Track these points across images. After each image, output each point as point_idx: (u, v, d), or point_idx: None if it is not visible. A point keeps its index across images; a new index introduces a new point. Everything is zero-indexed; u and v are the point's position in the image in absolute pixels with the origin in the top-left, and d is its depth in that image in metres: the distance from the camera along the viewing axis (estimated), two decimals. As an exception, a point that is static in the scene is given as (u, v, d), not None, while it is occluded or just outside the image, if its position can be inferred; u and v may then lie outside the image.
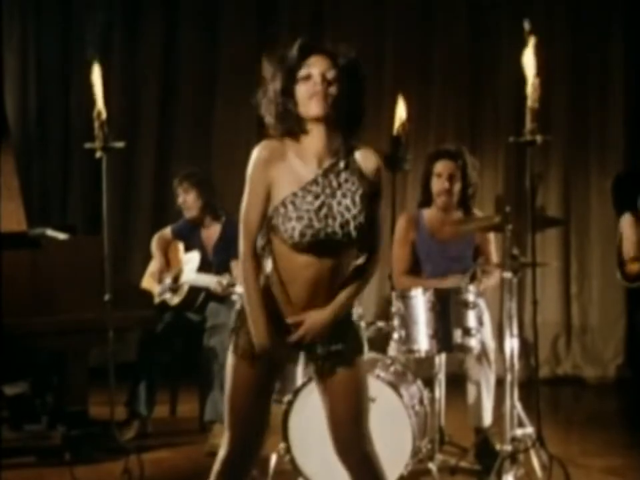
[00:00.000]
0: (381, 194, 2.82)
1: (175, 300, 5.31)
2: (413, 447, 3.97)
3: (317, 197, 2.71)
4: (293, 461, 4.03)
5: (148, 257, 5.58)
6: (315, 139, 2.74)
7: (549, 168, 7.14)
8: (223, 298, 5.13)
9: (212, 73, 7.40)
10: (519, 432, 4.10)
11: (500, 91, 7.07)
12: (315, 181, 2.73)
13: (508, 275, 4.15)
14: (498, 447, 4.26)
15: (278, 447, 4.09)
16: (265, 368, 2.81)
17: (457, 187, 4.68)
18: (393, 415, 3.97)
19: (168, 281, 5.34)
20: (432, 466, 4.18)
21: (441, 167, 4.69)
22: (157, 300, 5.29)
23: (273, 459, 4.17)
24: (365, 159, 2.78)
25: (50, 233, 4.97)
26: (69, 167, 7.36)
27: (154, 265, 5.45)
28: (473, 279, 4.55)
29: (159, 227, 5.63)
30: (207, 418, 5.02)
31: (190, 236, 5.40)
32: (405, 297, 4.29)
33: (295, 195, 2.71)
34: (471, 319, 4.25)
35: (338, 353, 2.82)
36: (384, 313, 4.40)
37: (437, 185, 4.69)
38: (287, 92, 2.72)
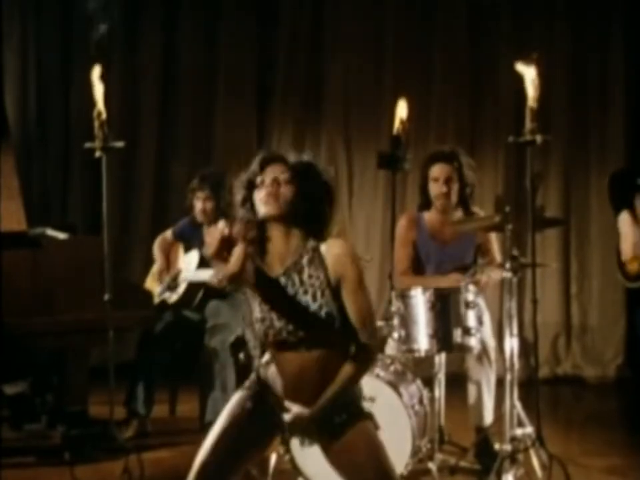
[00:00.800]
0: (352, 277, 2.75)
1: (173, 297, 5.31)
2: (412, 447, 3.97)
3: (279, 297, 2.76)
4: (292, 460, 4.02)
5: (148, 257, 5.58)
6: (276, 240, 2.80)
7: (549, 168, 7.15)
8: (223, 295, 5.12)
9: (212, 73, 7.40)
10: (518, 432, 4.11)
11: (500, 91, 7.07)
12: (276, 281, 2.78)
13: (508, 274, 4.16)
14: (498, 446, 4.26)
15: (278, 447, 4.08)
16: (251, 417, 2.84)
17: (455, 188, 4.67)
18: (392, 415, 3.97)
19: (167, 279, 5.35)
20: (432, 465, 4.18)
21: (437, 171, 4.68)
22: (156, 300, 5.29)
23: (273, 458, 4.16)
24: (329, 248, 2.78)
25: (50, 232, 4.97)
26: (69, 167, 7.36)
27: (156, 267, 5.46)
28: (474, 276, 4.56)
29: (159, 227, 5.63)
30: (208, 419, 5.00)
31: (191, 236, 5.40)
32: (404, 297, 4.29)
33: (254, 296, 2.80)
34: (471, 318, 4.25)
35: (341, 424, 2.78)
36: (384, 312, 4.40)
37: (435, 189, 4.68)
38: (246, 201, 2.81)
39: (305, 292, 2.74)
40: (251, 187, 2.82)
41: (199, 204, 5.28)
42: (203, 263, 5.26)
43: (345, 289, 2.75)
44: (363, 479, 2.76)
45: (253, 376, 2.93)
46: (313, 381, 2.77)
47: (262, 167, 2.82)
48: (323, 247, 2.79)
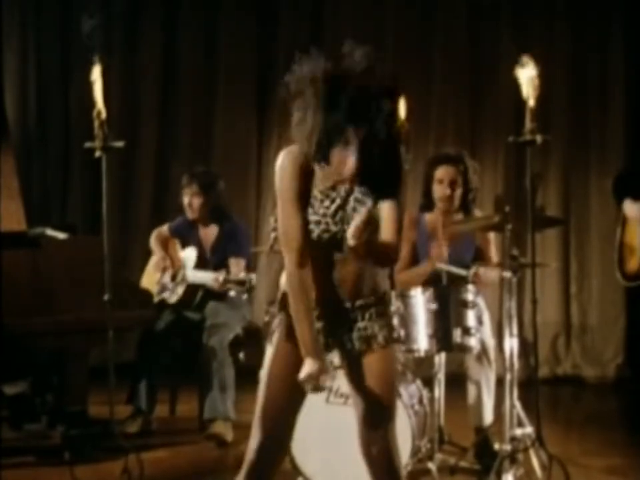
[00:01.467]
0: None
1: (173, 298, 5.31)
2: (412, 447, 3.98)
3: (333, 201, 2.77)
4: (292, 460, 4.03)
5: (148, 257, 5.58)
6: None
7: (549, 168, 7.15)
8: (222, 296, 5.14)
9: (212, 73, 7.41)
10: (518, 431, 4.11)
11: (500, 91, 7.07)
12: (332, 187, 2.78)
13: (507, 274, 4.16)
14: (497, 446, 4.26)
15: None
16: (298, 355, 2.78)
17: (459, 192, 4.65)
18: (392, 415, 3.97)
19: (166, 279, 5.34)
20: (431, 465, 4.18)
21: (442, 172, 4.66)
22: (156, 299, 5.29)
23: (273, 458, 4.16)
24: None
25: (50, 232, 4.97)
26: (69, 167, 7.37)
27: (154, 259, 5.45)
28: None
29: (158, 227, 5.62)
30: (206, 416, 5.02)
31: (187, 234, 5.40)
32: (404, 297, 4.29)
33: (314, 197, 2.76)
34: (471, 318, 4.25)
35: (364, 337, 2.83)
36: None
37: (439, 191, 4.66)
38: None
39: (360, 203, 2.79)
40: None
41: (186, 199, 5.32)
42: (200, 261, 5.26)
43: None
44: (364, 407, 2.82)
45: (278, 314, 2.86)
46: (357, 279, 2.79)
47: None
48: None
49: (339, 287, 2.79)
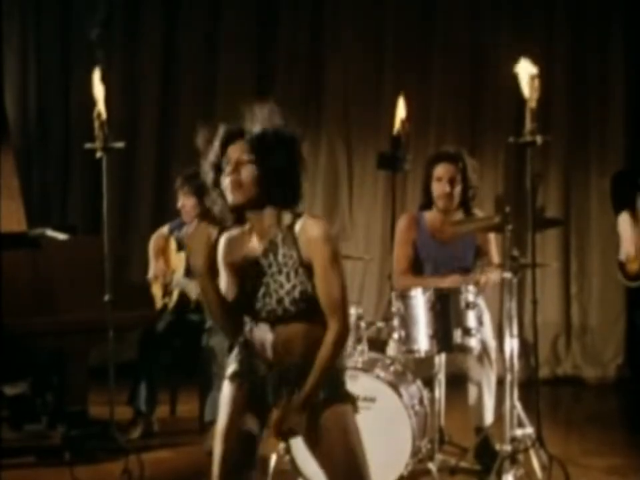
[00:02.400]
0: (323, 261, 2.71)
1: (170, 304, 5.32)
2: (412, 447, 3.97)
3: (257, 277, 2.77)
4: (292, 461, 4.03)
5: (147, 257, 5.57)
6: (253, 221, 2.80)
7: (549, 168, 7.14)
8: None
9: (212, 73, 7.40)
10: (518, 432, 4.11)
11: (500, 91, 7.06)
12: (256, 262, 2.78)
13: (508, 275, 4.16)
14: (498, 446, 4.26)
15: (278, 447, 4.09)
16: (253, 396, 2.82)
17: (458, 189, 4.67)
18: (392, 415, 3.98)
19: (167, 282, 5.34)
20: (432, 466, 4.18)
21: (441, 170, 4.67)
22: (159, 303, 5.30)
23: (273, 459, 4.17)
24: (302, 229, 2.74)
25: (50, 233, 4.98)
26: (69, 167, 7.36)
27: (150, 272, 5.44)
28: (475, 277, 4.57)
29: (159, 227, 5.62)
30: (207, 418, 5.02)
31: (183, 236, 5.39)
32: (404, 297, 4.29)
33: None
34: (471, 318, 4.25)
35: (320, 402, 2.75)
36: (384, 313, 4.40)
37: (438, 188, 4.67)
38: (216, 185, 2.84)
39: (280, 272, 2.75)
40: (217, 170, 2.85)
41: (180, 201, 5.31)
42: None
43: (315, 272, 2.73)
44: (332, 463, 2.76)
45: (235, 351, 2.89)
46: (297, 349, 2.77)
47: (223, 148, 2.85)
48: (297, 226, 2.75)
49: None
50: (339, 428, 2.75)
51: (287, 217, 2.77)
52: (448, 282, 4.49)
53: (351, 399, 2.82)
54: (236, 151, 2.83)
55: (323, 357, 2.73)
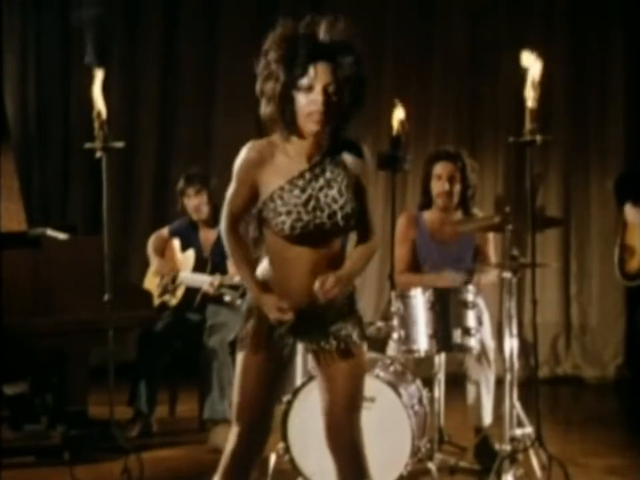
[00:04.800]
0: (366, 186, 2.90)
1: (173, 301, 5.32)
2: (412, 447, 3.97)
3: (303, 190, 2.79)
4: (292, 460, 4.03)
5: (147, 258, 5.58)
6: (306, 140, 2.80)
7: (549, 168, 7.14)
8: (219, 300, 5.12)
9: (212, 72, 7.41)
10: (518, 432, 4.11)
11: (500, 91, 7.07)
12: (301, 175, 2.80)
13: (507, 275, 4.16)
14: (497, 446, 4.26)
15: (277, 446, 4.09)
16: (270, 358, 2.88)
17: (457, 188, 4.69)
18: (392, 415, 3.98)
19: (166, 281, 5.34)
20: (431, 465, 4.18)
21: (440, 168, 4.69)
22: (156, 302, 5.29)
23: (272, 458, 4.17)
24: (351, 152, 2.86)
25: (50, 232, 4.97)
26: (69, 167, 7.37)
27: (152, 267, 5.45)
28: (470, 276, 4.58)
29: (159, 227, 5.62)
30: (206, 417, 5.03)
31: (188, 236, 5.39)
32: (404, 297, 4.29)
33: (282, 189, 2.78)
34: (471, 318, 4.26)
35: (341, 337, 2.88)
36: (383, 313, 4.40)
37: (437, 186, 4.69)
38: (287, 96, 2.73)
39: (330, 187, 2.81)
40: (293, 80, 2.71)
41: (192, 201, 5.29)
42: (199, 264, 5.26)
43: (361, 193, 2.86)
44: (334, 398, 2.90)
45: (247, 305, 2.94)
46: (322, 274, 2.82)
47: (306, 62, 2.71)
48: (345, 146, 2.85)
49: (312, 286, 2.80)
50: (351, 368, 2.88)
51: (337, 137, 2.81)
52: (443, 281, 4.50)
53: (367, 338, 2.97)
54: (323, 77, 2.71)
55: (362, 251, 2.89)
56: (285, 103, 2.73)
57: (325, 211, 2.78)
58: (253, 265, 2.89)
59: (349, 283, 2.86)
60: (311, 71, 2.72)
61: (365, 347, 2.95)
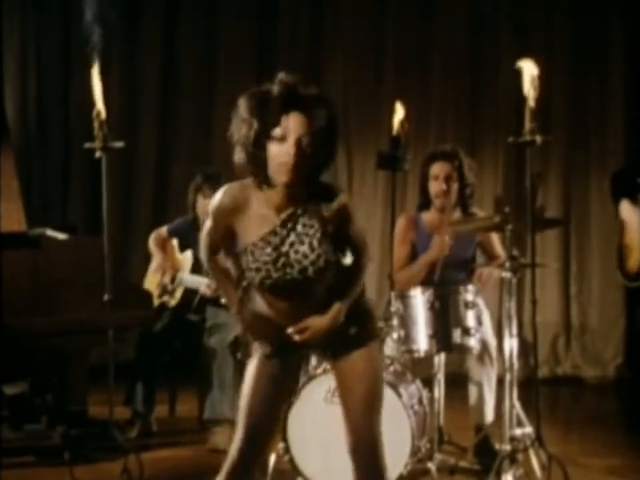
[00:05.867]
0: (349, 224, 2.83)
1: (172, 302, 5.32)
2: (412, 447, 3.97)
3: (275, 248, 2.77)
4: (292, 460, 4.03)
5: (148, 257, 5.58)
6: (278, 190, 2.75)
7: (549, 168, 7.14)
8: (218, 302, 5.11)
9: (212, 73, 7.40)
10: (518, 432, 4.11)
11: (500, 91, 7.07)
12: (273, 232, 2.77)
13: (507, 275, 4.16)
14: (497, 446, 4.26)
15: (277, 446, 4.09)
16: (278, 367, 2.91)
17: (455, 187, 4.68)
18: (392, 415, 3.96)
19: (166, 281, 5.34)
20: (431, 465, 4.18)
21: (437, 168, 4.69)
22: (156, 302, 5.29)
23: (272, 458, 4.17)
24: (326, 197, 2.79)
25: (50, 233, 4.98)
26: (69, 167, 7.36)
27: (154, 263, 5.44)
28: (471, 272, 4.59)
29: (159, 227, 5.62)
30: (206, 417, 5.02)
31: (187, 236, 5.38)
32: (404, 297, 4.30)
33: (254, 245, 2.78)
34: (470, 318, 4.26)
35: (351, 337, 2.87)
36: (383, 313, 4.40)
37: (435, 187, 4.69)
38: (260, 144, 2.70)
39: (302, 242, 2.76)
40: (266, 129, 2.68)
41: (206, 201, 5.25)
42: (198, 265, 5.26)
43: (344, 230, 2.81)
44: (351, 400, 2.90)
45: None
46: (304, 311, 2.83)
47: (281, 111, 2.66)
48: (319, 194, 2.79)
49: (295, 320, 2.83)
50: (365, 367, 2.88)
51: (309, 186, 2.77)
52: (434, 251, 4.52)
53: (378, 336, 2.98)
54: (297, 128, 2.66)
55: (351, 282, 2.85)
56: (257, 151, 2.70)
57: (295, 267, 2.75)
58: (233, 284, 2.90)
59: (338, 319, 2.83)
60: (284, 121, 2.67)
61: (375, 345, 2.93)
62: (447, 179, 4.66)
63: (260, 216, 2.78)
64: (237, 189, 2.82)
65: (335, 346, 2.89)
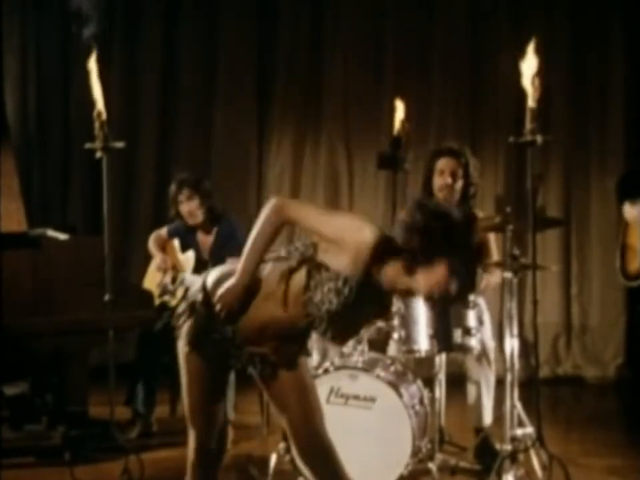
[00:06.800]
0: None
1: (173, 302, 5.30)
2: (412, 447, 3.97)
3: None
4: (292, 461, 4.03)
5: (148, 257, 5.57)
6: None
7: (549, 168, 7.14)
8: None
9: (212, 73, 7.40)
10: (519, 432, 4.11)
11: (500, 91, 7.07)
12: None
13: (508, 275, 4.15)
14: (498, 446, 4.26)
15: (278, 446, 4.09)
16: (209, 357, 2.98)
17: (459, 184, 4.66)
18: (393, 415, 3.97)
19: (167, 281, 5.33)
20: (432, 466, 4.18)
21: (443, 163, 4.67)
22: (157, 302, 5.28)
23: (273, 458, 4.17)
24: None
25: (50, 233, 4.97)
26: (69, 167, 7.36)
27: (155, 263, 5.43)
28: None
29: (158, 227, 5.62)
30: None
31: (186, 238, 5.38)
32: (405, 297, 4.29)
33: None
34: (471, 318, 4.26)
35: (293, 355, 3.01)
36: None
37: (439, 181, 4.66)
38: None
39: None
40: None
41: (184, 207, 5.27)
42: (199, 265, 5.25)
43: None
44: (289, 414, 3.02)
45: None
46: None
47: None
48: None
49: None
50: (303, 378, 3.02)
51: None
52: None
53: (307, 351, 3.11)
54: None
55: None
56: None
57: None
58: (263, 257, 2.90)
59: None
60: None
61: (304, 360, 3.05)
62: (453, 175, 4.64)
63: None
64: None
65: (262, 363, 2.99)
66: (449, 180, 4.63)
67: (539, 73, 3.87)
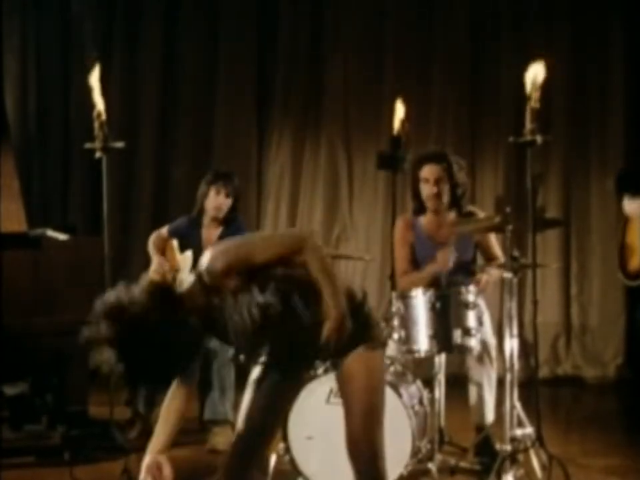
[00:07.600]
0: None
1: (173, 302, 5.29)
2: (412, 447, 3.98)
3: None
4: (292, 461, 4.03)
5: (148, 257, 5.57)
6: None
7: (549, 168, 7.14)
8: None
9: (212, 73, 7.40)
10: (518, 432, 4.11)
11: (500, 92, 7.07)
12: None
13: (508, 275, 4.16)
14: (498, 446, 4.26)
15: (278, 447, 4.09)
16: (280, 375, 2.98)
17: (446, 189, 4.67)
18: (392, 415, 3.94)
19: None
20: (431, 466, 4.18)
21: (426, 171, 4.68)
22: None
23: (273, 459, 4.17)
24: None
25: (50, 233, 4.98)
26: (69, 167, 7.36)
27: (154, 264, 5.42)
28: (472, 274, 4.58)
29: (158, 227, 5.61)
30: (206, 417, 5.02)
31: (189, 235, 5.36)
32: (405, 297, 4.29)
33: None
34: (471, 319, 4.26)
35: (352, 344, 2.86)
36: (384, 313, 4.40)
37: (426, 190, 4.68)
38: None
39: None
40: None
41: (213, 201, 5.21)
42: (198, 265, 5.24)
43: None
44: (353, 406, 2.89)
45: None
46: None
47: None
48: None
49: None
50: (367, 374, 2.87)
51: None
52: (440, 262, 4.50)
53: (380, 342, 2.95)
54: None
55: (314, 267, 2.77)
56: None
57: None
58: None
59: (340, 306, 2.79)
60: None
61: (378, 353, 2.93)
62: (437, 182, 4.65)
63: None
64: None
65: (337, 354, 2.88)
66: (435, 189, 4.64)
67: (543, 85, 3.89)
